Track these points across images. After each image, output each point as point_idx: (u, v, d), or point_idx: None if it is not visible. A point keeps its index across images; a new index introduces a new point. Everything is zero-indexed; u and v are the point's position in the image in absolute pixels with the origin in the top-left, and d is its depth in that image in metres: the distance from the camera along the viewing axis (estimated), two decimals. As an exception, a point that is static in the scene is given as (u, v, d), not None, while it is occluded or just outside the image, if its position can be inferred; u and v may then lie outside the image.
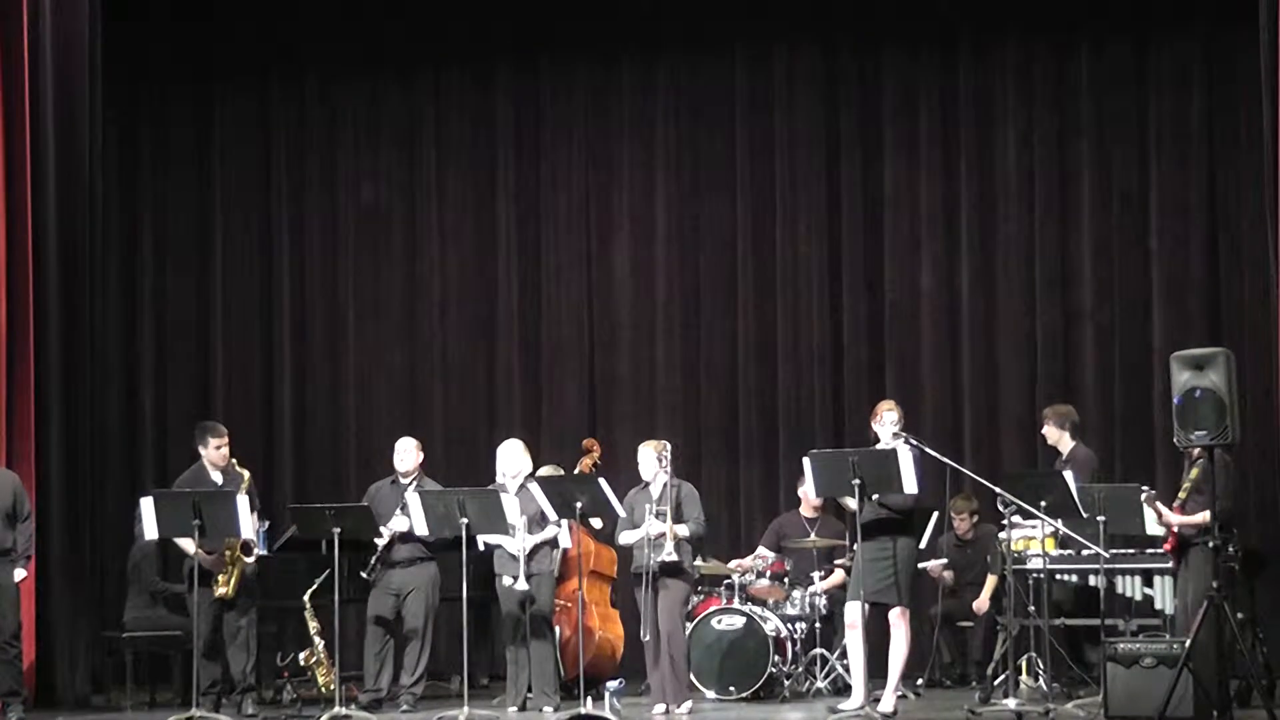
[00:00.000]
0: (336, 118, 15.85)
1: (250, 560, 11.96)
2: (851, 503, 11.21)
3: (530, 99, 15.60)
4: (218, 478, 12.14)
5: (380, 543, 12.15)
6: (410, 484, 12.28)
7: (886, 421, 11.44)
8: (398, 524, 12.12)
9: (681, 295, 15.32)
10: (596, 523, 12.01)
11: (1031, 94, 14.82)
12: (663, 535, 11.56)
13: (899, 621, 11.30)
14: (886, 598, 11.25)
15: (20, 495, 12.20)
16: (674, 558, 11.58)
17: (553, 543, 12.16)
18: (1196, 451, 10.98)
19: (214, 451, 12.19)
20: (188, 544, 11.76)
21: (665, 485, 11.72)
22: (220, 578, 11.92)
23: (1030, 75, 14.83)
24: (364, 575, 12.22)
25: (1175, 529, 10.92)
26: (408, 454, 12.47)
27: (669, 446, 11.96)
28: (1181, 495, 10.93)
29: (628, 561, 12.18)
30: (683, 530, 11.68)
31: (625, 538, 11.88)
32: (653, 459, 11.81)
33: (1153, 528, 11.15)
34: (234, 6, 15.47)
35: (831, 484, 11.40)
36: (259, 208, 15.86)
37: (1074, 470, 11.81)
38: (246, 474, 12.19)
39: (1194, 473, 10.91)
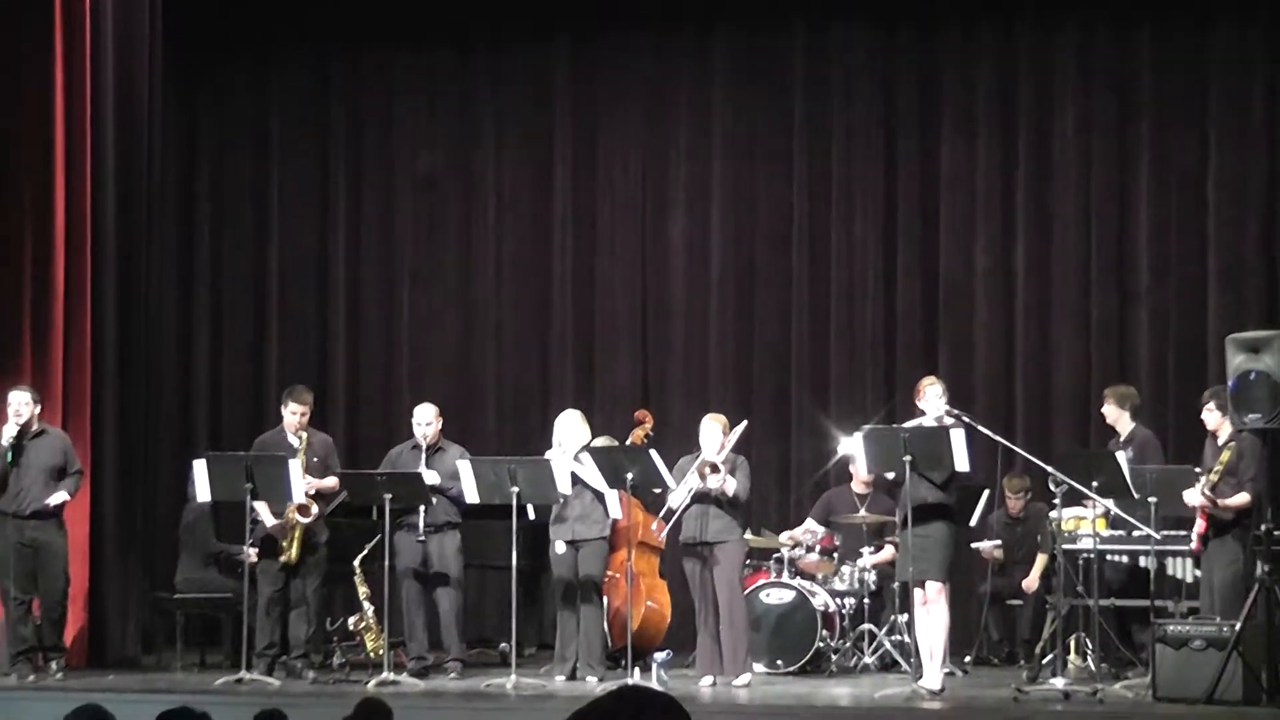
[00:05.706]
0: (394, 87, 15.88)
1: (306, 521, 12.02)
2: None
3: (587, 72, 15.61)
4: (294, 441, 12.22)
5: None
6: (434, 451, 12.34)
7: (930, 396, 11.40)
8: (429, 477, 12.11)
9: (736, 270, 15.30)
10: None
11: (1091, 75, 14.74)
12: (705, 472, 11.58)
13: (937, 597, 11.27)
14: (925, 574, 11.23)
15: (70, 455, 12.35)
16: (706, 488, 11.57)
17: (604, 510, 12.16)
18: (1224, 435, 10.97)
19: (289, 416, 12.27)
20: (265, 513, 11.92)
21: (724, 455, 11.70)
22: (283, 543, 12.02)
23: (1090, 56, 14.75)
24: (419, 540, 12.23)
25: (1207, 511, 10.90)
26: (429, 423, 12.42)
27: (744, 425, 11.95)
28: (1213, 478, 10.89)
29: (677, 533, 12.18)
30: (730, 483, 11.60)
31: (674, 499, 11.79)
32: (716, 431, 11.77)
33: (1191, 502, 11.10)
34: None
35: (883, 460, 11.41)
36: (316, 176, 15.91)
37: (1141, 452, 11.77)
38: (303, 436, 12.22)
39: (1224, 455, 10.88)
